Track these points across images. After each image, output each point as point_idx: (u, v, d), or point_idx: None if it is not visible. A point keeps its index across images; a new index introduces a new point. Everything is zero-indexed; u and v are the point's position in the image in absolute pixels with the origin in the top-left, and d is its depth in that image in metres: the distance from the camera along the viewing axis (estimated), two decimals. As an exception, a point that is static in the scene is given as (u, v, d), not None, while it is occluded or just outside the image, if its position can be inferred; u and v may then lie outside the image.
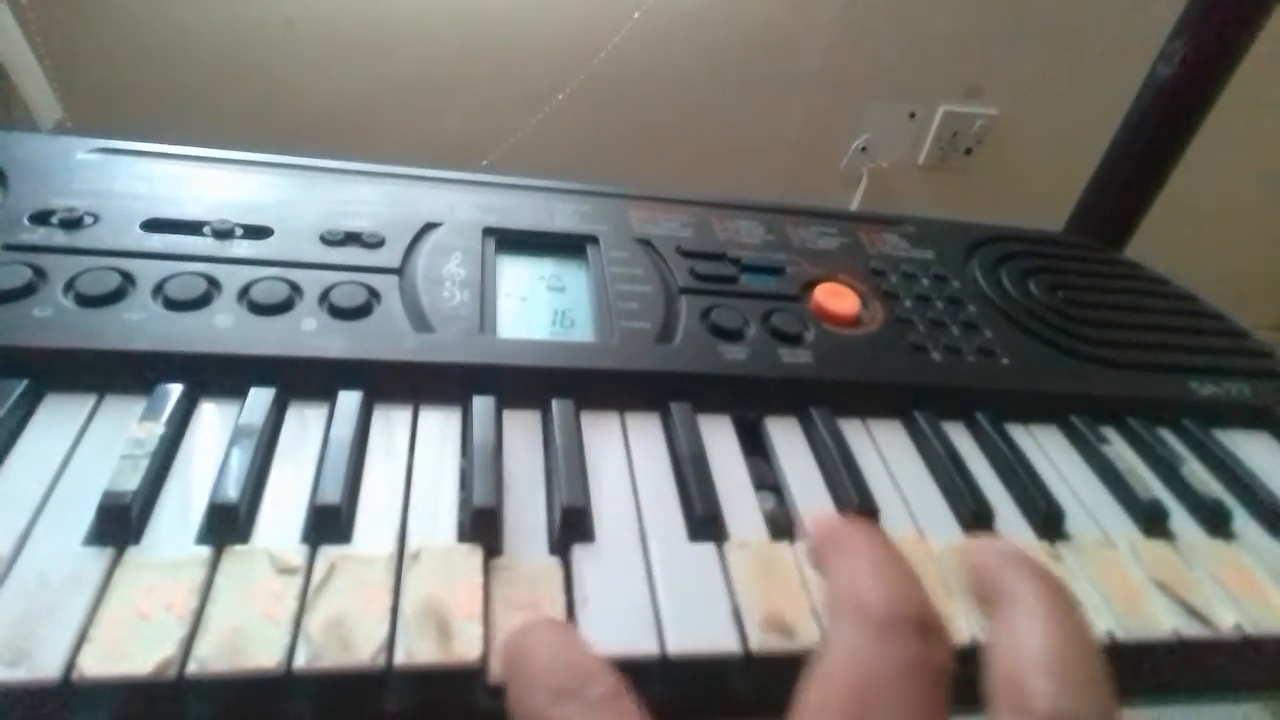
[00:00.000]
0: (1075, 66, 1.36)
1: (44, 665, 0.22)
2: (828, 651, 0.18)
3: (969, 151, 1.47)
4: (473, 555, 0.27)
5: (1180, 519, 0.36)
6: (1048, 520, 0.34)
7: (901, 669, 0.17)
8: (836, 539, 0.21)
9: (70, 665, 0.22)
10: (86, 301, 0.32)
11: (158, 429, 0.29)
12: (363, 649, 0.24)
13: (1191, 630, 0.30)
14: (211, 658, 0.23)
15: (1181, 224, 1.03)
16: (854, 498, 0.33)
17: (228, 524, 0.27)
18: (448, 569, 0.27)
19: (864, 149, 1.45)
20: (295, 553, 0.26)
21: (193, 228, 0.37)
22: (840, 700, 0.16)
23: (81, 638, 0.23)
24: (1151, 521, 0.35)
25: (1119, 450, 0.38)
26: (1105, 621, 0.30)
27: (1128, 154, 0.62)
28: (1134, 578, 0.32)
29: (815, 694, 0.17)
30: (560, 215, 0.45)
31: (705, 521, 0.30)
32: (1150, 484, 0.37)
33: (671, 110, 1.33)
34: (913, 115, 1.43)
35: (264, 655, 0.23)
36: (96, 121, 1.12)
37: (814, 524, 0.23)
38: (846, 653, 0.17)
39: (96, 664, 0.22)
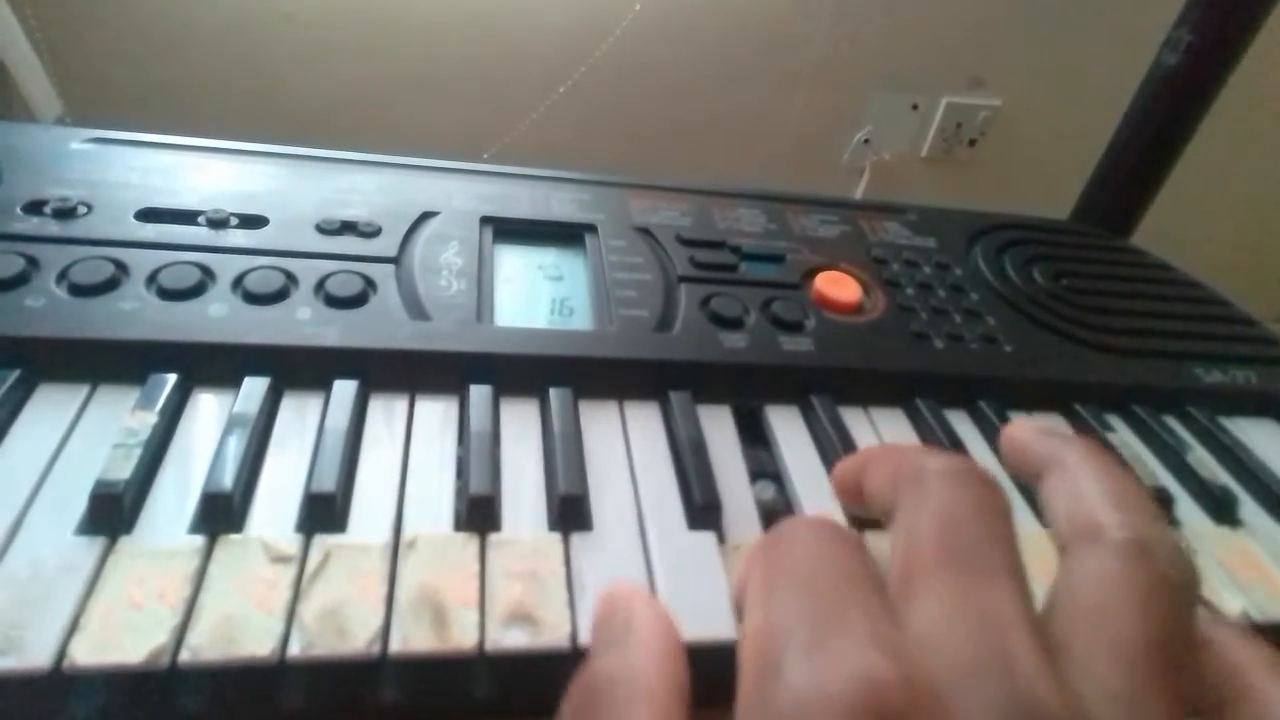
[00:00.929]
0: (1079, 56, 1.35)
1: (35, 654, 0.22)
2: (903, 511, 0.19)
3: (972, 143, 1.47)
4: (469, 543, 0.27)
5: (1186, 506, 0.35)
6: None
7: (977, 506, 0.18)
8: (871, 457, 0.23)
9: (61, 654, 0.22)
10: (80, 291, 0.32)
11: (151, 418, 0.29)
12: (358, 637, 0.24)
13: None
14: (204, 646, 0.23)
15: (1185, 214, 1.02)
16: (855, 486, 0.32)
17: (221, 512, 0.26)
18: (444, 557, 0.27)
19: (867, 141, 1.45)
20: (290, 541, 0.26)
21: (187, 217, 0.37)
22: (932, 540, 0.17)
23: (73, 626, 0.22)
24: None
25: (1124, 438, 0.38)
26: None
27: (1132, 143, 0.61)
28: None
29: (904, 545, 0.18)
30: (558, 204, 0.44)
31: (705, 509, 0.30)
32: (1156, 471, 0.36)
33: (672, 103, 1.33)
34: (915, 107, 1.43)
35: (257, 644, 0.23)
36: (97, 117, 1.12)
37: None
38: (923, 505, 0.18)
39: (88, 653, 0.22)
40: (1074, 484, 0.20)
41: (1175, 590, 0.17)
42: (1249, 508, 0.36)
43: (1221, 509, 0.35)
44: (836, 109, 1.40)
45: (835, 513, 0.32)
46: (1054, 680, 0.14)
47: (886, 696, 0.13)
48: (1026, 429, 0.23)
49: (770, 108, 1.37)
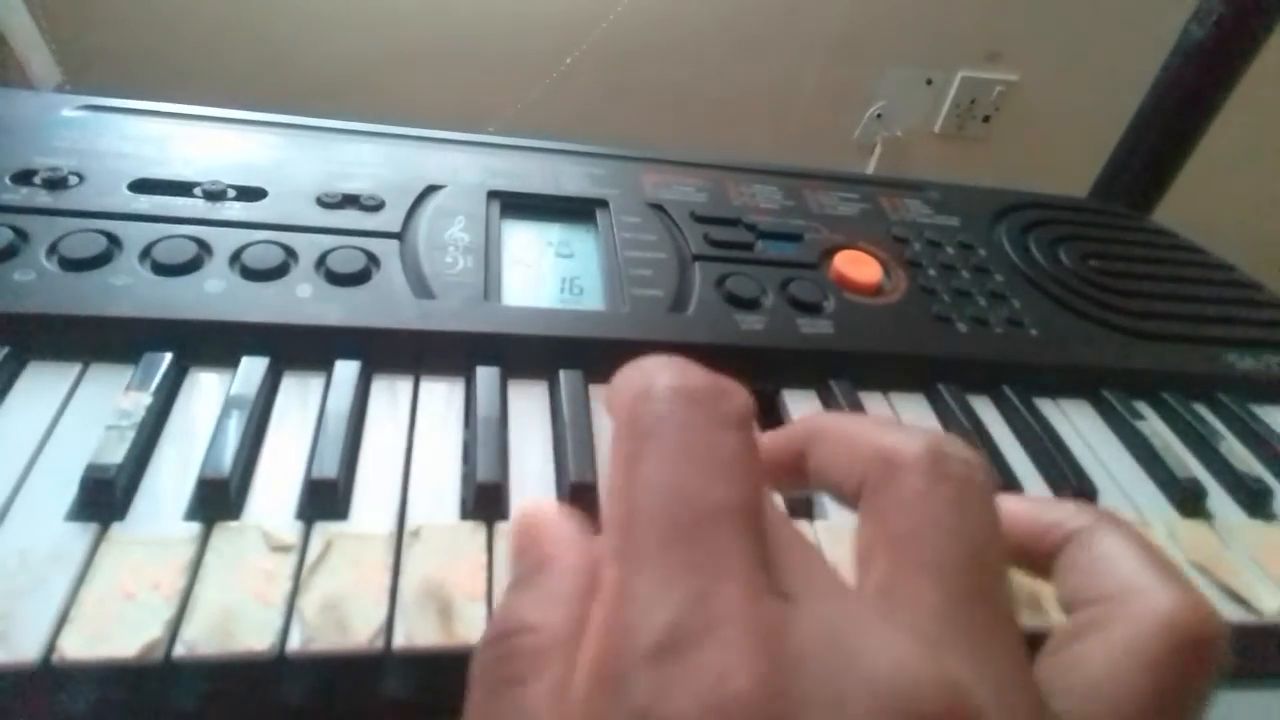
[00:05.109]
0: (1097, 32, 1.32)
1: (23, 647, 0.21)
2: (877, 511, 0.17)
3: (987, 119, 1.43)
4: (476, 533, 0.26)
5: (1218, 498, 0.34)
6: (1079, 498, 0.32)
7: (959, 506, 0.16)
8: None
9: (50, 647, 0.21)
10: (71, 265, 0.31)
11: (145, 399, 0.27)
12: (360, 631, 0.23)
13: (1232, 614, 0.29)
14: (200, 640, 0.22)
15: (1206, 193, 1.00)
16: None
17: (218, 499, 0.25)
18: (450, 548, 0.25)
19: (879, 116, 1.41)
20: (289, 530, 0.25)
21: (183, 189, 0.36)
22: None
23: (63, 618, 0.22)
24: (1189, 501, 0.33)
25: (1154, 426, 0.37)
26: (1142, 606, 0.28)
27: (1157, 119, 0.60)
28: (1171, 560, 0.30)
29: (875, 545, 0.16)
30: (568, 178, 0.43)
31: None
32: (1187, 461, 0.35)
33: (682, 73, 1.30)
34: (930, 81, 1.39)
35: (255, 638, 0.22)
36: (97, 84, 1.10)
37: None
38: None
39: (78, 646, 0.21)
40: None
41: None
42: (1284, 500, 0.35)
43: (1255, 501, 0.34)
44: (849, 82, 1.37)
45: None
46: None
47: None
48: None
49: (781, 81, 1.34)
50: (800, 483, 0.21)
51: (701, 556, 0.13)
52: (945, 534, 0.15)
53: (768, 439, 0.22)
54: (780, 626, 0.13)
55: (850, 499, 0.18)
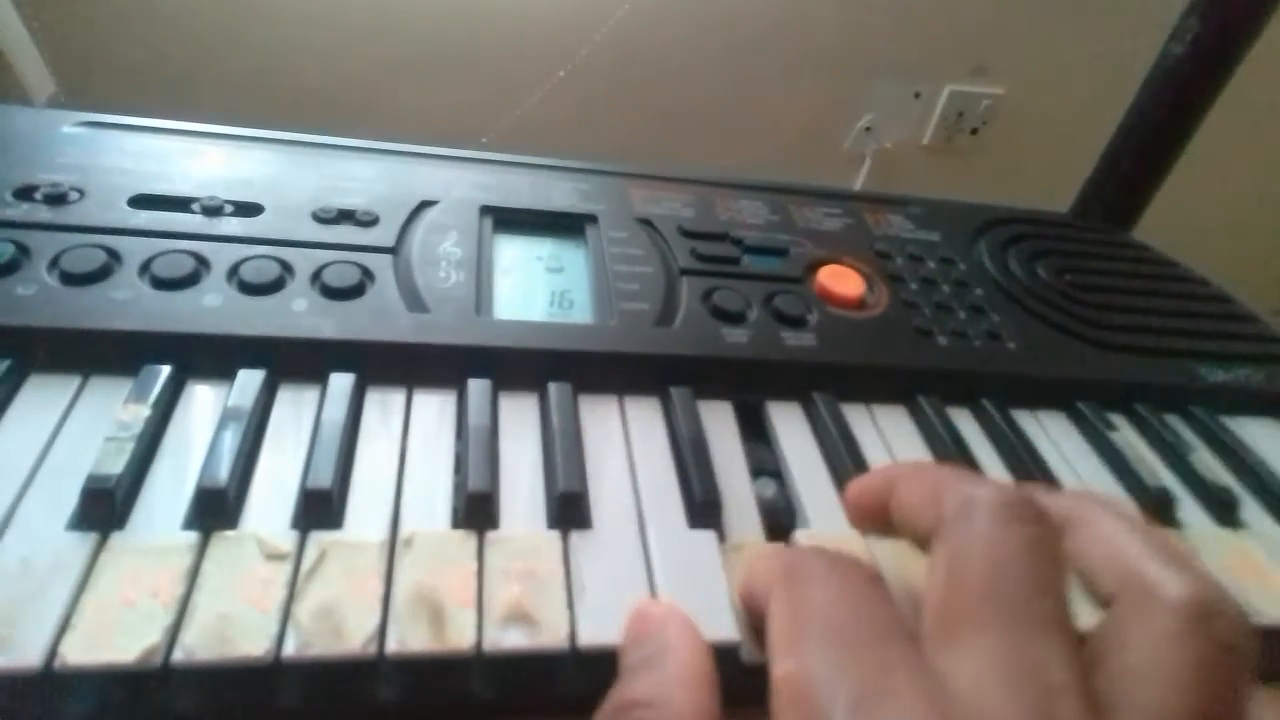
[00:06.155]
0: (1084, 46, 1.34)
1: (25, 653, 0.21)
2: (946, 544, 0.18)
3: (974, 132, 1.45)
4: (467, 541, 0.27)
5: (1188, 507, 0.35)
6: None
7: (1028, 549, 0.17)
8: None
9: (52, 653, 0.21)
10: (71, 279, 0.31)
11: (144, 411, 0.28)
12: (354, 637, 0.23)
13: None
14: (198, 646, 0.22)
15: (1188, 207, 1.01)
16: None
17: (216, 508, 0.26)
18: (441, 555, 0.26)
19: (868, 129, 1.43)
20: (285, 538, 0.26)
21: (181, 204, 0.36)
22: (979, 584, 0.16)
23: (64, 625, 0.22)
24: (1159, 509, 0.34)
25: (1126, 437, 0.38)
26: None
27: (1137, 135, 0.61)
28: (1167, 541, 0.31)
29: (946, 583, 0.17)
30: (559, 194, 0.44)
31: (705, 508, 0.30)
32: (1158, 471, 0.36)
33: (673, 88, 1.31)
34: (918, 95, 1.41)
35: (252, 643, 0.23)
36: (91, 96, 1.10)
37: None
38: (970, 540, 0.17)
39: (79, 652, 0.22)
40: (1114, 543, 0.18)
41: (1235, 660, 0.16)
42: (1252, 510, 0.36)
43: (1224, 510, 0.35)
44: (838, 96, 1.39)
45: (837, 512, 0.31)
46: None
47: None
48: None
49: (772, 94, 1.36)
50: (885, 526, 0.22)
51: (872, 655, 0.16)
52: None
53: (855, 486, 0.24)
54: (941, 689, 0.15)
55: (923, 539, 0.19)
